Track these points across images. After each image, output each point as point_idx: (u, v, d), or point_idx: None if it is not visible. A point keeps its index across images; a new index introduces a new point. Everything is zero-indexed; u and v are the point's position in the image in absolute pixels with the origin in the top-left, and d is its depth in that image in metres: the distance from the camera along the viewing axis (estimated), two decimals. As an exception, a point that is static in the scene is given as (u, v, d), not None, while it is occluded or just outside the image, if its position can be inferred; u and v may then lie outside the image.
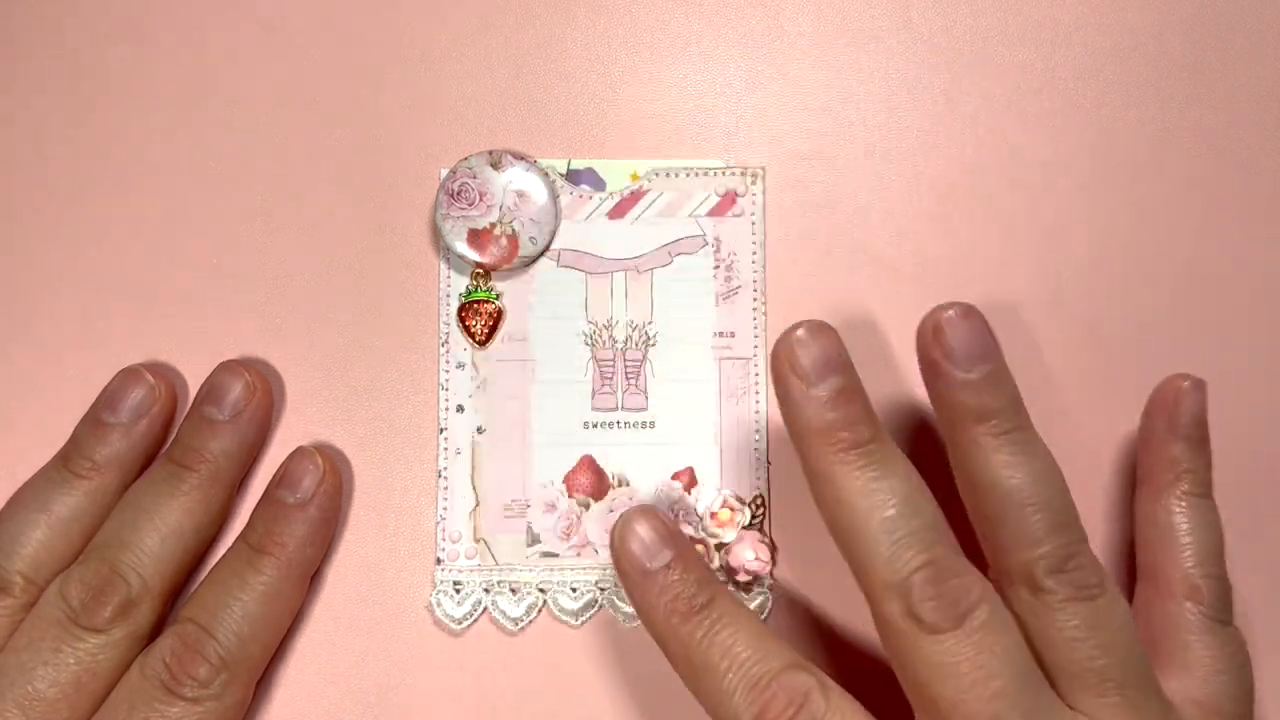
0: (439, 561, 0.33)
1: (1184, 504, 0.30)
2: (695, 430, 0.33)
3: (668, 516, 0.28)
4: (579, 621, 0.33)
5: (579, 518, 0.33)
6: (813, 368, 0.27)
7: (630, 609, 0.33)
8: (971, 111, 0.34)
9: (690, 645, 0.28)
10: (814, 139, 0.34)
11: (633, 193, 0.34)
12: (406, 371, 0.34)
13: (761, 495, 0.33)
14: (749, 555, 0.32)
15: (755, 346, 0.34)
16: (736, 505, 0.33)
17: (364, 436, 0.33)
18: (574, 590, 0.33)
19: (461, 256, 0.33)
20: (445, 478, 0.33)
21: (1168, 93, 0.35)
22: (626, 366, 0.34)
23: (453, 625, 0.33)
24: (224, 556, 0.31)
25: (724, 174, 0.34)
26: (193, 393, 0.33)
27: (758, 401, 0.33)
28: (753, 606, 0.33)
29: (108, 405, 0.32)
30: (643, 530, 0.28)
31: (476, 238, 0.33)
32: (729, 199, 0.34)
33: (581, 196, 0.34)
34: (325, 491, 0.31)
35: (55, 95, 0.34)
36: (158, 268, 0.34)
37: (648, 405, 0.33)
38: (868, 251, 0.34)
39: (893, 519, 0.26)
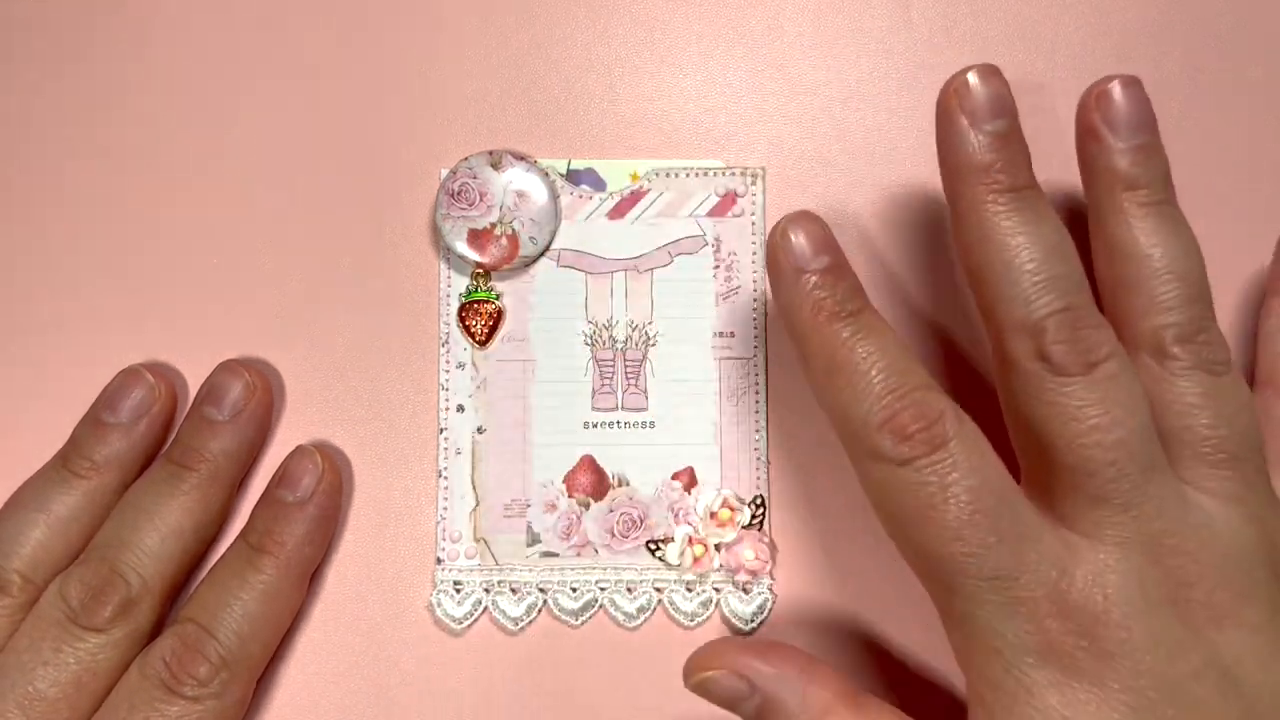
0: (439, 561, 0.33)
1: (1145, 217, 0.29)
2: (695, 430, 0.33)
3: (830, 229, 0.28)
4: (579, 621, 0.33)
5: (579, 518, 0.33)
6: (983, 106, 0.27)
7: (630, 608, 0.33)
8: (971, 111, 0.34)
9: (834, 343, 0.27)
10: (814, 139, 0.34)
11: (633, 193, 0.34)
12: (406, 371, 0.34)
13: (761, 495, 0.33)
14: (749, 555, 0.32)
15: (755, 346, 0.34)
16: (736, 505, 0.33)
17: (364, 436, 0.33)
18: (574, 590, 0.33)
19: (462, 256, 0.33)
20: (445, 478, 0.33)
21: (1168, 93, 0.35)
22: (626, 366, 0.34)
23: (453, 625, 0.33)
24: (224, 556, 0.31)
25: (724, 174, 0.34)
26: (193, 393, 0.33)
27: (758, 401, 0.33)
28: (753, 606, 0.33)
29: (108, 405, 0.32)
30: (806, 230, 0.27)
31: (477, 238, 0.33)
32: (729, 199, 0.34)
33: (581, 196, 0.34)
34: (325, 490, 0.31)
35: (55, 95, 0.34)
36: (158, 268, 0.34)
37: (648, 405, 0.33)
38: (867, 251, 0.34)
39: (1038, 262, 0.26)
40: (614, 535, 0.33)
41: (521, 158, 0.34)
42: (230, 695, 0.29)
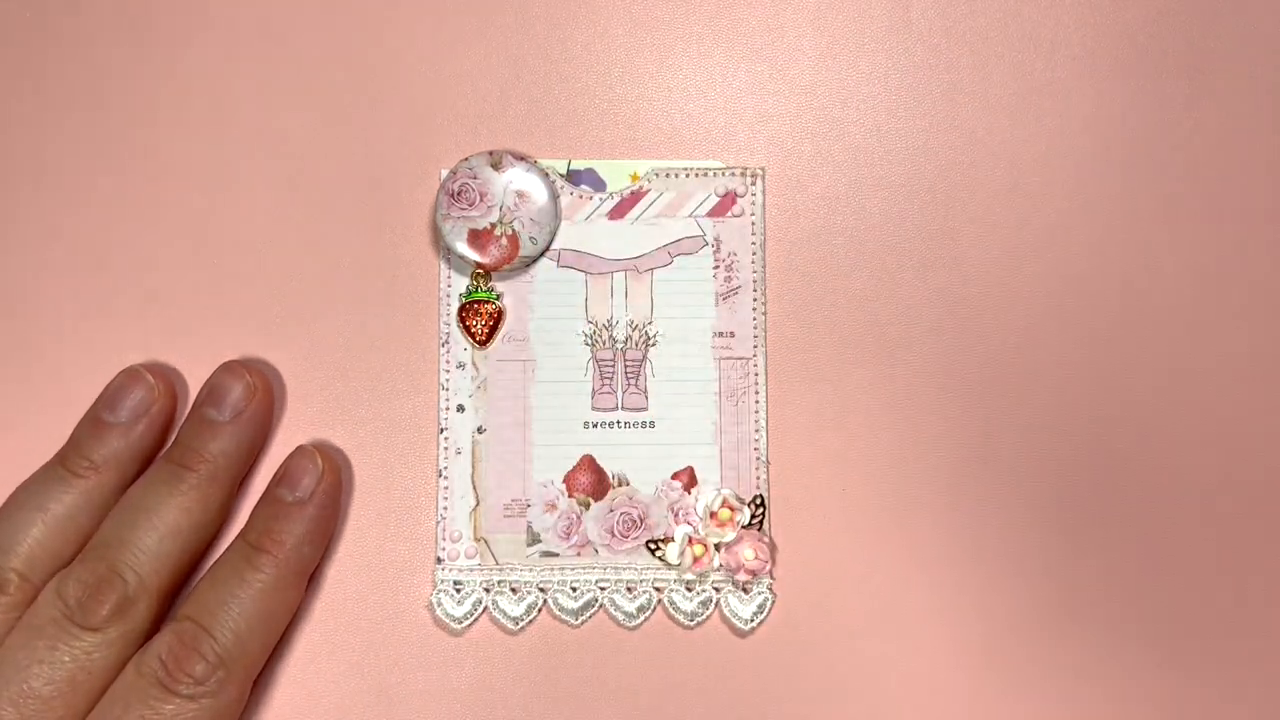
0: (439, 561, 0.33)
1: None
2: (695, 430, 0.33)
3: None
4: (579, 621, 0.33)
5: (579, 517, 0.33)
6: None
7: (630, 608, 0.33)
8: (971, 111, 0.34)
9: None
10: (814, 139, 0.35)
11: (633, 193, 0.34)
12: (406, 371, 0.34)
13: (761, 495, 0.33)
14: (748, 554, 0.32)
15: (755, 346, 0.34)
16: (736, 505, 0.33)
17: (364, 436, 0.33)
18: (574, 590, 0.33)
19: (462, 257, 0.33)
20: (445, 477, 0.33)
21: (1168, 93, 0.35)
22: (626, 366, 0.34)
23: (453, 625, 0.33)
24: (223, 555, 0.31)
25: (724, 174, 0.34)
26: (193, 393, 0.33)
27: (757, 401, 0.33)
28: (753, 606, 0.33)
29: (107, 405, 0.32)
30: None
31: (477, 238, 0.33)
32: (729, 199, 0.34)
33: (581, 197, 0.34)
34: (324, 490, 0.31)
35: (55, 96, 0.34)
36: (158, 268, 0.34)
37: (648, 405, 0.33)
38: (867, 252, 0.34)
39: None
40: (614, 535, 0.33)
41: (521, 158, 0.34)
42: (226, 694, 0.29)
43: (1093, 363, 0.34)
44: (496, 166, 0.34)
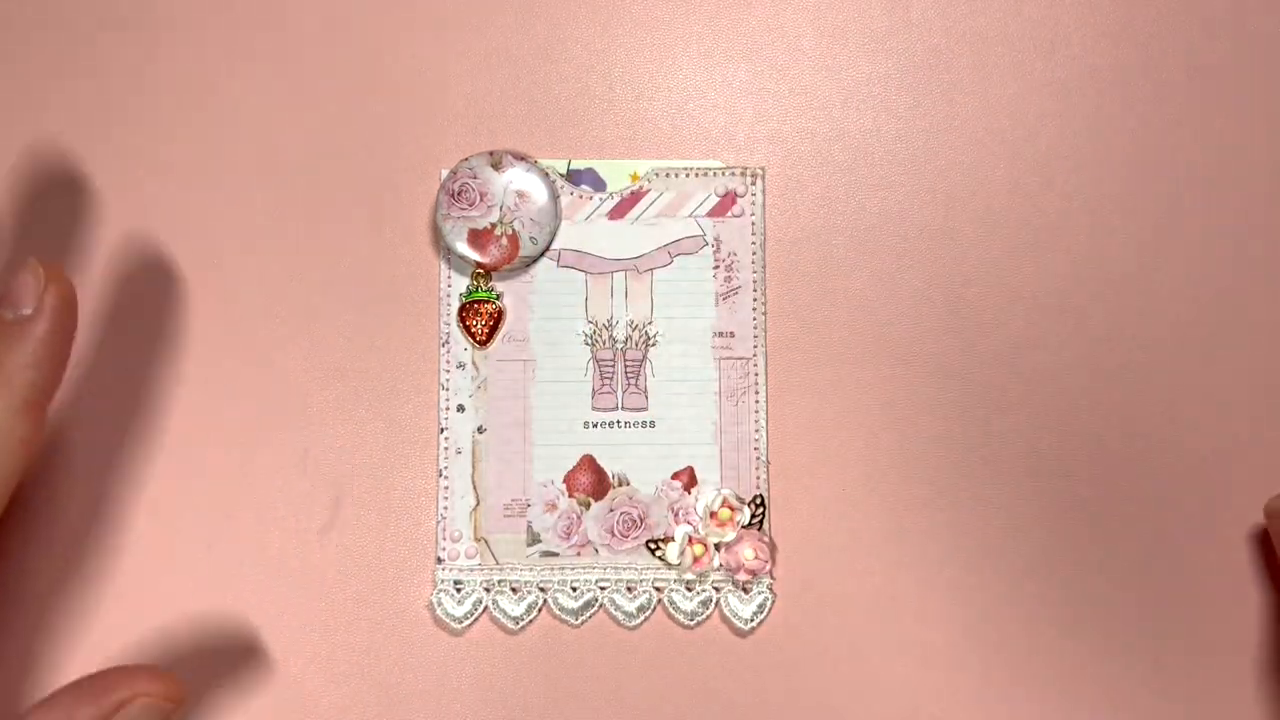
0: (439, 561, 0.33)
1: None
2: (695, 430, 0.33)
3: None
4: (579, 621, 0.33)
5: (579, 517, 0.33)
6: None
7: (630, 608, 0.33)
8: (971, 111, 0.34)
9: None
10: (814, 139, 0.35)
11: (633, 193, 0.34)
12: (406, 371, 0.34)
13: (761, 495, 0.33)
14: (748, 554, 0.32)
15: (755, 346, 0.34)
16: (736, 505, 0.33)
17: (364, 436, 0.33)
18: (574, 590, 0.33)
19: (462, 257, 0.33)
20: (446, 477, 0.33)
21: (1168, 92, 0.35)
22: (626, 366, 0.34)
23: (453, 625, 0.33)
24: None
25: (724, 174, 0.34)
26: (195, 392, 0.33)
27: (757, 401, 0.33)
28: (753, 606, 0.33)
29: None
30: None
31: (477, 238, 0.33)
32: (729, 199, 0.34)
33: (582, 197, 0.34)
34: (53, 304, 0.28)
35: (56, 95, 0.34)
36: (155, 267, 0.34)
37: (648, 405, 0.33)
38: (867, 252, 0.34)
39: None
40: (614, 535, 0.33)
41: (521, 158, 0.34)
42: None
43: (1093, 363, 0.34)
44: (496, 166, 0.34)
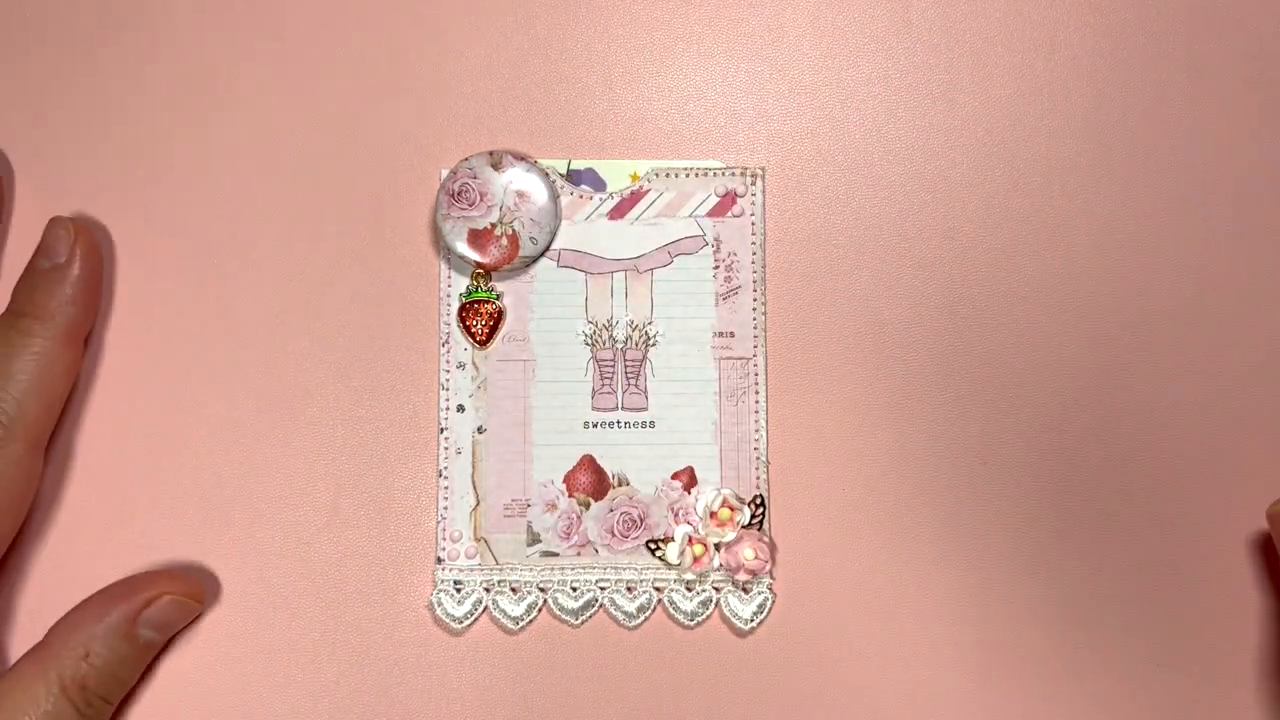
0: (439, 561, 0.33)
1: None
2: (695, 430, 0.33)
3: None
4: (579, 621, 0.33)
5: (579, 517, 0.33)
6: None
7: (630, 608, 0.33)
8: (971, 111, 0.34)
9: None
10: (814, 139, 0.35)
11: (633, 193, 0.34)
12: (406, 371, 0.34)
13: (761, 495, 0.33)
14: (748, 554, 0.32)
15: (755, 346, 0.34)
16: (736, 505, 0.33)
17: (364, 436, 0.33)
18: (574, 590, 0.33)
19: (462, 257, 0.33)
20: (446, 477, 0.33)
21: (1167, 93, 0.35)
22: (626, 366, 0.34)
23: (453, 625, 0.33)
24: None
25: (724, 174, 0.34)
26: (196, 392, 0.33)
27: (757, 401, 0.33)
28: (753, 606, 0.33)
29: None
30: None
31: (477, 238, 0.33)
32: (729, 199, 0.34)
33: (582, 197, 0.34)
34: (82, 251, 0.32)
35: (57, 95, 0.34)
36: (157, 267, 0.34)
37: (648, 405, 0.33)
38: (867, 252, 0.34)
39: None
40: (614, 535, 0.33)
41: (521, 158, 0.34)
42: (12, 450, 0.30)
43: (1093, 363, 0.34)
44: (496, 166, 0.34)
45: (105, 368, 0.33)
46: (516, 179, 0.34)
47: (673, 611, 0.33)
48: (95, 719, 0.30)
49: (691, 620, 0.33)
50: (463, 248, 0.33)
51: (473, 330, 0.33)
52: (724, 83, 0.35)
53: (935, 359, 0.34)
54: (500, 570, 0.33)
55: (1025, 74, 0.35)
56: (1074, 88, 0.35)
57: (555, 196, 0.34)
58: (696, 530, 0.33)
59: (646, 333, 0.34)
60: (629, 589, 0.33)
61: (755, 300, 0.34)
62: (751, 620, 0.33)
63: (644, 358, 0.34)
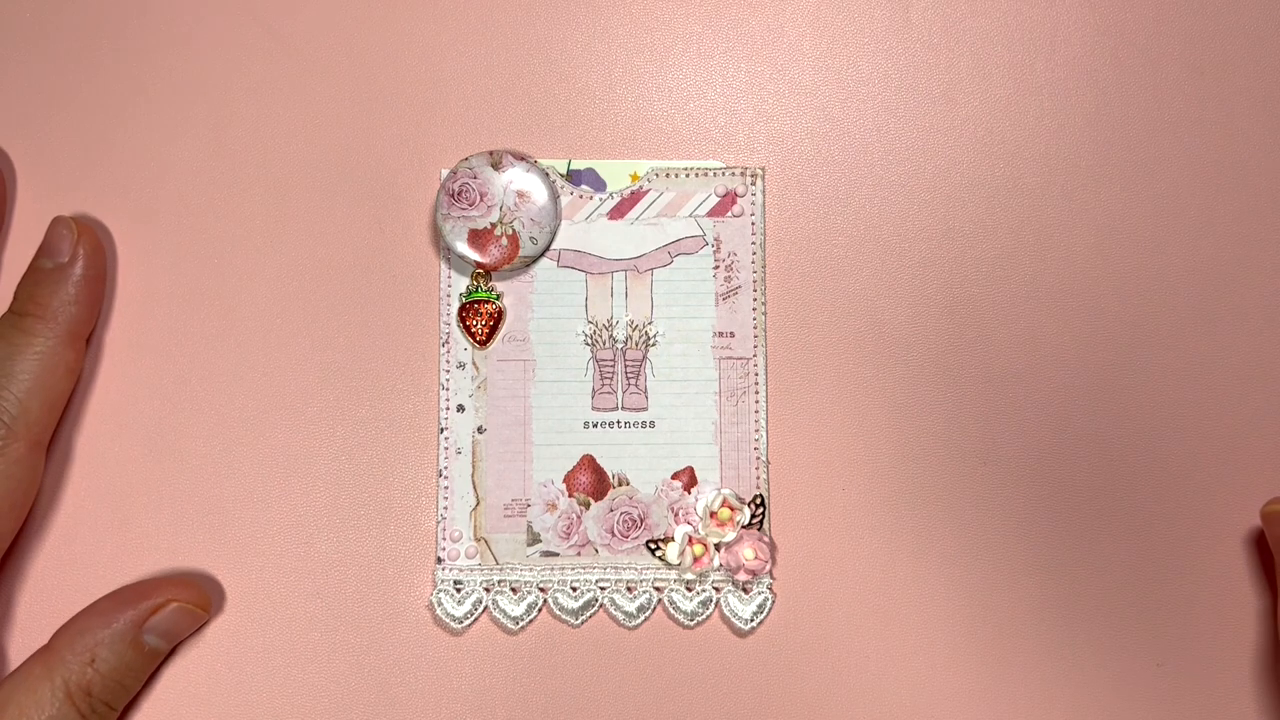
0: (439, 561, 0.33)
1: None
2: (695, 430, 0.33)
3: None
4: (579, 621, 0.33)
5: (579, 517, 0.33)
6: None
7: (630, 608, 0.33)
8: (971, 111, 0.34)
9: None
10: (814, 139, 0.35)
11: (633, 193, 0.34)
12: (406, 371, 0.34)
13: (761, 495, 0.33)
14: (748, 554, 0.32)
15: (755, 346, 0.34)
16: (736, 505, 0.33)
17: (364, 436, 0.33)
18: (574, 590, 0.33)
19: (462, 256, 0.33)
20: (446, 477, 0.33)
21: (1167, 93, 0.35)
22: (626, 366, 0.34)
23: (453, 625, 0.33)
24: None
25: (724, 174, 0.34)
26: (196, 392, 0.33)
27: (757, 401, 0.33)
28: (753, 606, 0.33)
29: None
30: None
31: (477, 238, 0.33)
32: (729, 199, 0.34)
33: (582, 197, 0.34)
34: (85, 251, 0.32)
35: (59, 95, 0.34)
36: (157, 267, 0.34)
37: (648, 405, 0.33)
38: (867, 252, 0.34)
39: None
40: (614, 535, 0.33)
41: (521, 158, 0.34)
42: (14, 451, 0.30)
43: (1093, 362, 0.34)
44: (496, 166, 0.34)
45: (105, 368, 0.33)
46: (516, 179, 0.34)
47: (673, 611, 0.33)
48: None
49: (691, 620, 0.33)
50: (463, 248, 0.33)
51: (473, 330, 0.33)
52: (724, 83, 0.35)
53: (935, 359, 0.34)
54: (500, 570, 0.33)
55: (1025, 74, 0.35)
56: (1074, 88, 0.35)
57: (555, 196, 0.34)
58: (696, 530, 0.33)
59: (646, 333, 0.34)
60: (629, 589, 0.33)
61: (755, 300, 0.34)
62: (751, 620, 0.33)
63: (644, 358, 0.34)
